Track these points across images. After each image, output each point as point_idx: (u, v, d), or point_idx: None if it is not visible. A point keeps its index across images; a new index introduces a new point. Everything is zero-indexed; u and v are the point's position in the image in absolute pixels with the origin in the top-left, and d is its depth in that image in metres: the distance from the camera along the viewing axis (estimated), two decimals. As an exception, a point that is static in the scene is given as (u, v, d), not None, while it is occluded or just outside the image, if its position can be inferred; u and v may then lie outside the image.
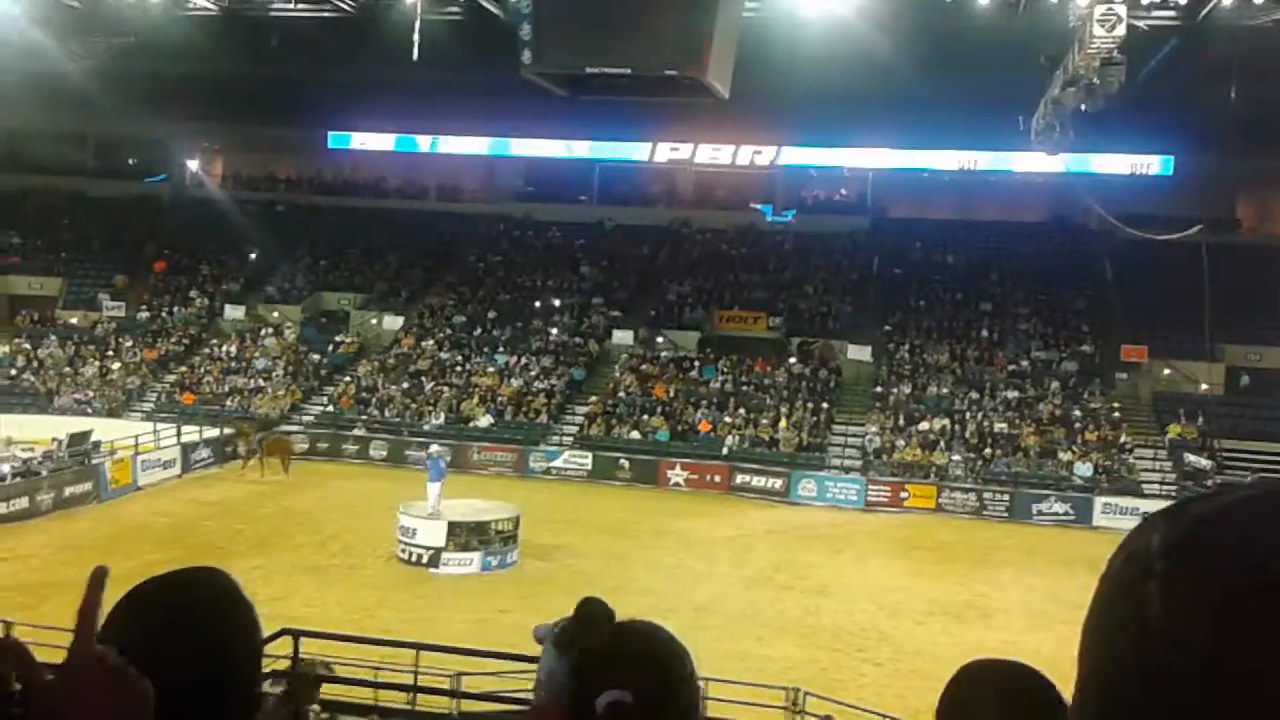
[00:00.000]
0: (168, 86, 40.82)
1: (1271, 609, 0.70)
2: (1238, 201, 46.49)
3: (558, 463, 35.51)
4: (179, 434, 33.55)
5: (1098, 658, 0.79)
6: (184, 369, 41.82)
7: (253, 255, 48.52)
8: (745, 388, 39.11)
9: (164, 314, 45.44)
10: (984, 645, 19.13)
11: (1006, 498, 32.76)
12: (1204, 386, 38.07)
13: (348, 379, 40.87)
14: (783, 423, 36.71)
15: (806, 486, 33.68)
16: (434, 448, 26.76)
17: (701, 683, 1.72)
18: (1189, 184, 41.34)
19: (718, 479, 34.29)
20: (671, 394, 38.68)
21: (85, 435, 30.39)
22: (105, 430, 31.73)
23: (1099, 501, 31.88)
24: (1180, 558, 0.76)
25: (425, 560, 22.77)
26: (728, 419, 37.12)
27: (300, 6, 33.94)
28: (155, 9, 32.10)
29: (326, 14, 33.78)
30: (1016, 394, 37.80)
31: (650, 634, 1.61)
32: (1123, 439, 35.16)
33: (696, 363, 40.81)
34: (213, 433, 34.95)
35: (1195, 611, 0.72)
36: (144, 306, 45.77)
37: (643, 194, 51.42)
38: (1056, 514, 32.01)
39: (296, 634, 11.39)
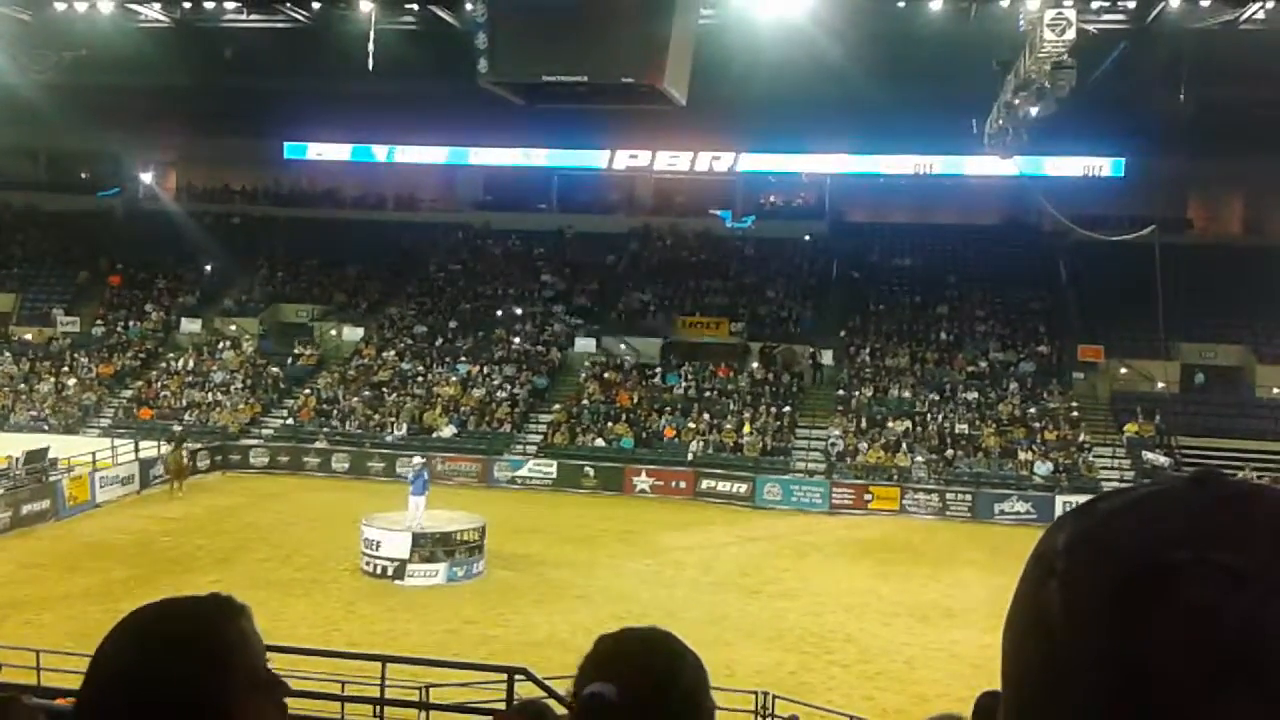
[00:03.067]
0: (120, 99, 40.44)
1: (1162, 600, 0.71)
2: (1189, 201, 47.20)
3: (522, 472, 35.42)
4: (137, 450, 33.13)
5: (1010, 659, 0.81)
6: (141, 384, 41.34)
7: (209, 268, 48.04)
8: (708, 393, 39.22)
9: (119, 329, 44.89)
10: (949, 645, 19.30)
11: (969, 498, 33.04)
12: (1160, 385, 38.60)
13: (308, 391, 40.55)
14: (746, 427, 36.83)
15: (771, 490, 33.80)
16: (417, 460, 26.58)
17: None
18: (1141, 185, 41.95)
19: (683, 485, 34.33)
20: (635, 401, 38.71)
21: (42, 453, 29.96)
22: (62, 447, 31.30)
23: (1060, 500, 32.19)
24: (1079, 555, 0.77)
25: (390, 572, 22.62)
26: (692, 425, 37.20)
27: (253, 17, 33.77)
28: (106, 22, 31.80)
29: (280, 25, 33.64)
30: (976, 395, 38.16)
31: (650, 637, 1.59)
32: (1081, 438, 35.58)
33: (659, 369, 40.88)
34: (169, 448, 34.51)
35: (1091, 608, 0.74)
36: (99, 321, 45.22)
37: (602, 201, 51.48)
38: (1018, 513, 32.32)
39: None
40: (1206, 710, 0.69)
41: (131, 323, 45.22)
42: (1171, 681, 0.70)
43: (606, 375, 40.41)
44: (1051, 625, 0.76)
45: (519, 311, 44.85)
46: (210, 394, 40.28)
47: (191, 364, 42.24)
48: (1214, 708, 0.69)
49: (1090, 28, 24.29)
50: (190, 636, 1.43)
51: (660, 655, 1.54)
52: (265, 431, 38.60)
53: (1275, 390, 38.06)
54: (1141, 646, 0.71)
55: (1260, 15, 28.11)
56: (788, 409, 37.88)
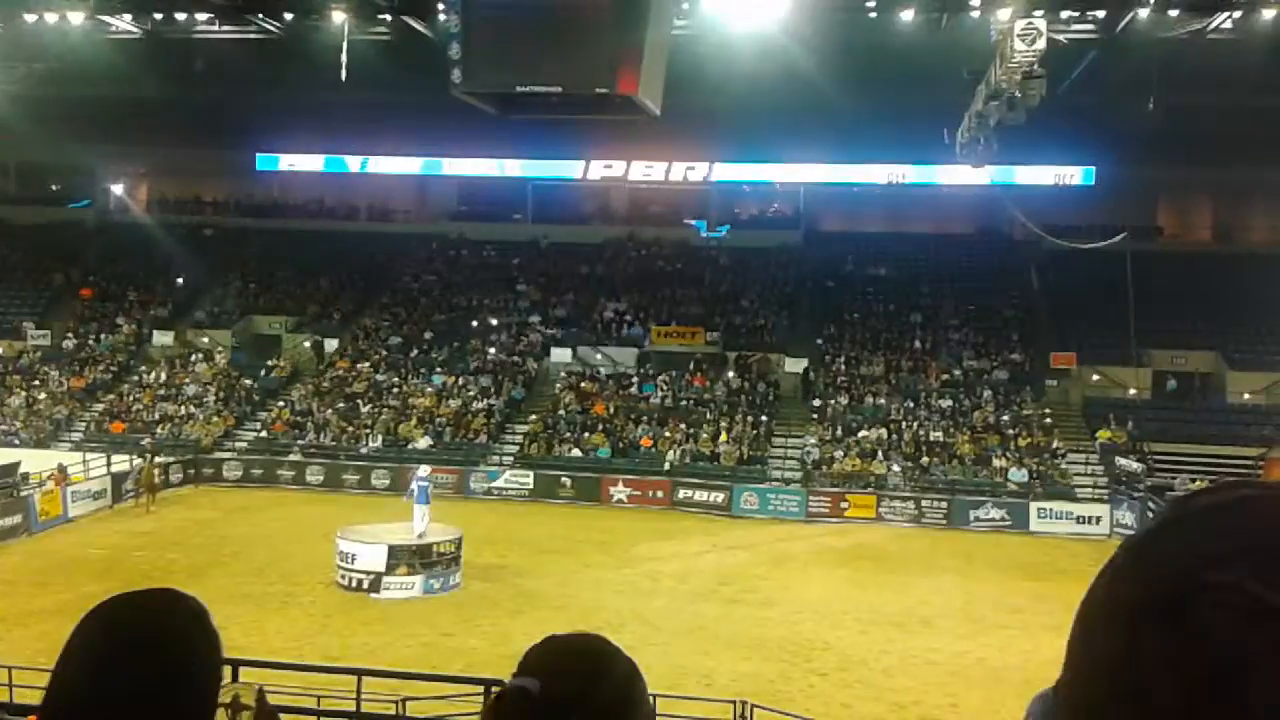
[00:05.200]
0: (90, 111, 40.18)
1: (1170, 621, 0.71)
2: (1159, 209, 47.65)
3: (499, 483, 35.31)
4: (109, 464, 32.83)
5: (1087, 637, 0.80)
6: (112, 397, 41.01)
7: (180, 280, 47.72)
8: (685, 402, 39.25)
9: (91, 342, 44.52)
10: (926, 653, 19.35)
11: (944, 505, 33.17)
12: (1132, 391, 38.91)
13: (281, 404, 40.32)
14: (723, 436, 36.87)
15: (748, 499, 33.83)
16: (422, 469, 26.43)
17: (653, 697, 1.66)
18: (1111, 193, 42.35)
19: (660, 494, 34.32)
20: (611, 411, 38.68)
21: (13, 467, 29.64)
22: (34, 461, 30.97)
23: (1034, 506, 32.41)
24: (1128, 559, 0.77)
25: (366, 585, 22.48)
26: (668, 434, 37.21)
27: (225, 28, 33.61)
28: (76, 33, 31.59)
29: (252, 35, 33.48)
30: (951, 403, 38.35)
31: (582, 640, 1.59)
32: (1055, 444, 35.81)
33: (635, 379, 40.88)
34: (138, 461, 34.23)
35: (1118, 613, 0.74)
36: (70, 334, 44.81)
37: (577, 212, 51.49)
38: (993, 519, 32.46)
39: (235, 664, 11.18)
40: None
41: (103, 335, 44.85)
42: (1159, 704, 0.70)
43: (583, 385, 40.38)
44: (1092, 619, 0.77)
45: (494, 322, 44.77)
46: (183, 407, 39.98)
47: (163, 377, 41.93)
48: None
49: (1060, 38, 24.52)
50: (152, 639, 1.45)
51: (589, 655, 1.53)
52: (238, 444, 38.33)
53: (1246, 396, 38.45)
54: (1139, 663, 0.71)
55: (1228, 25, 28.44)
56: (764, 418, 37.95)
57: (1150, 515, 0.78)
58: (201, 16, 32.58)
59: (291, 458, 36.77)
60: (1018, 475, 34.19)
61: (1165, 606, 0.71)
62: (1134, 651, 0.72)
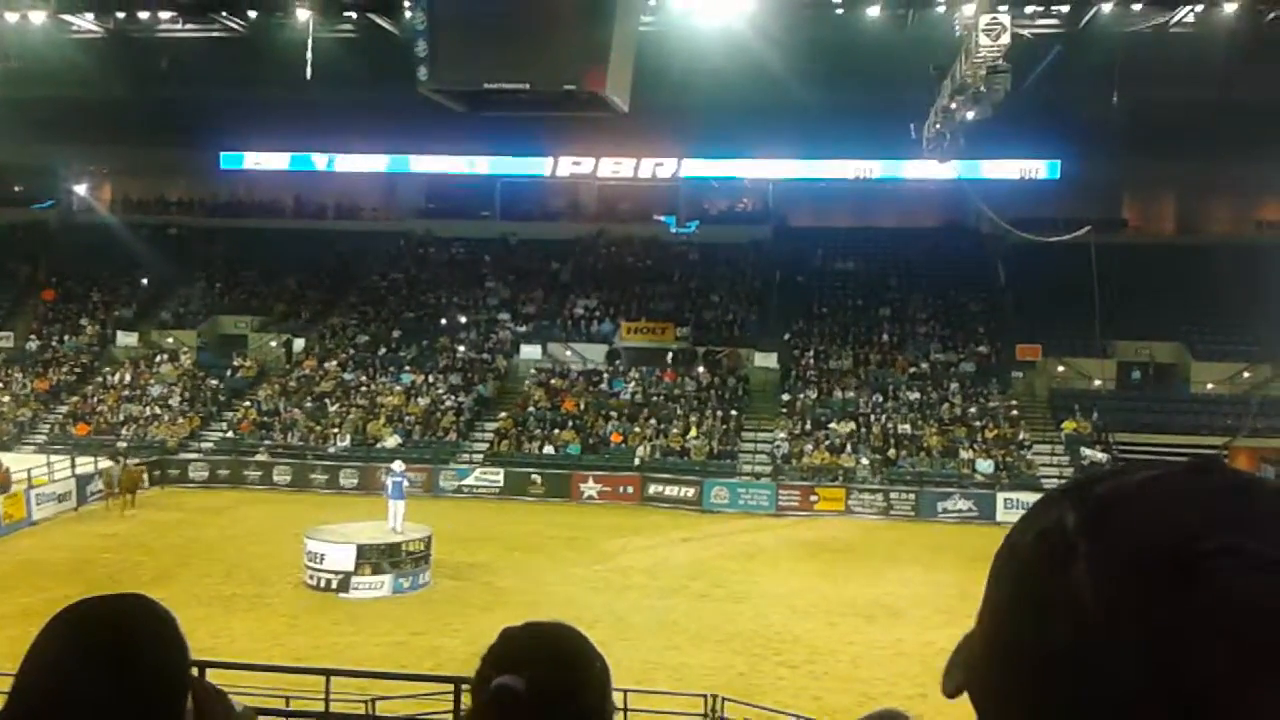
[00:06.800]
0: (53, 111, 39.70)
1: (1200, 588, 0.72)
2: (1124, 202, 48.12)
3: (469, 480, 35.22)
4: (73, 466, 32.48)
5: (1021, 634, 0.80)
6: (76, 399, 40.57)
7: (145, 280, 47.27)
8: (655, 398, 39.28)
9: (54, 343, 44.03)
10: (895, 643, 19.48)
11: (912, 497, 33.40)
12: (1097, 382, 39.30)
13: (248, 404, 40.01)
14: (693, 431, 36.94)
15: (719, 494, 33.91)
16: (397, 464, 26.40)
17: (620, 693, 1.64)
18: (1076, 186, 42.71)
19: (631, 490, 34.35)
20: (581, 407, 38.66)
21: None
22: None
23: (1000, 497, 32.66)
24: (1105, 538, 0.77)
25: (334, 585, 22.36)
26: (638, 430, 37.24)
27: (189, 27, 33.34)
28: (38, 33, 31.20)
29: (216, 34, 33.23)
30: (918, 395, 38.59)
31: (558, 632, 1.57)
32: (1021, 436, 36.11)
33: (605, 375, 40.88)
34: (107, 464, 33.89)
35: (1130, 593, 0.74)
36: (33, 336, 44.30)
37: (546, 208, 51.41)
38: (960, 511, 32.72)
39: (202, 665, 11.10)
40: (1247, 700, 0.69)
41: (67, 337, 44.37)
42: (1209, 671, 0.70)
43: (552, 382, 40.34)
44: (1084, 608, 0.75)
45: (463, 319, 44.62)
46: (148, 408, 39.61)
47: (128, 378, 41.53)
48: (1255, 698, 0.69)
49: (1024, 33, 24.70)
50: (120, 644, 1.45)
51: (570, 649, 1.51)
52: (204, 445, 38.02)
53: (1210, 386, 38.91)
54: (1180, 634, 0.71)
55: (1190, 19, 28.77)
56: (734, 413, 38.04)
57: (1049, 501, 0.79)
58: (165, 15, 32.28)
59: (258, 458, 36.51)
60: (985, 467, 34.47)
61: (1191, 575, 0.72)
62: (1166, 626, 0.72)
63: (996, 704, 0.82)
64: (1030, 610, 0.79)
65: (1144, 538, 0.75)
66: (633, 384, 39.97)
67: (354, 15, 30.68)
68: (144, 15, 32.29)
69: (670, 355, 41.36)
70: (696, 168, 46.92)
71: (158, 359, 42.70)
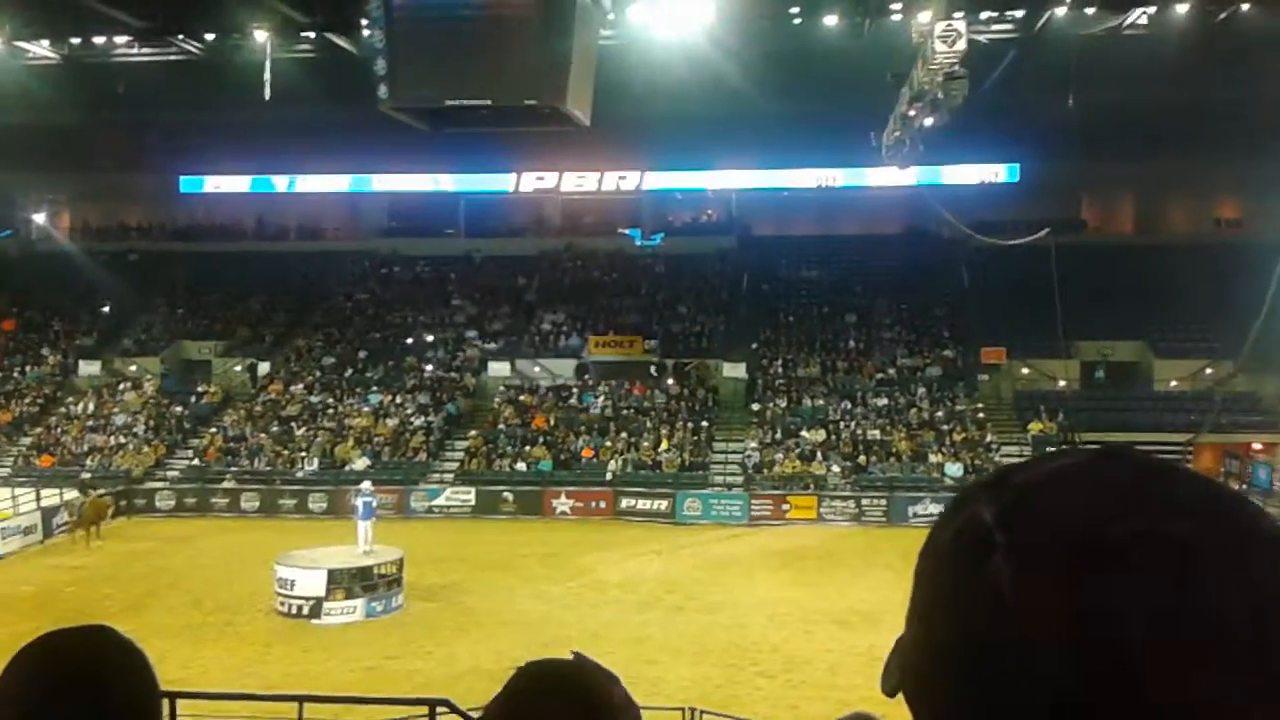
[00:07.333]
0: (9, 138, 39.22)
1: (1121, 572, 0.72)
2: (1083, 203, 48.60)
3: (440, 500, 35.00)
4: (39, 498, 32.01)
5: (946, 632, 0.80)
6: (40, 430, 40.02)
7: (106, 308, 46.77)
8: (625, 411, 39.23)
9: (16, 374, 43.44)
10: (870, 650, 19.49)
11: (883, 503, 33.51)
12: (1061, 383, 39.62)
13: (213, 430, 39.60)
14: (664, 444, 36.91)
15: (691, 505, 33.89)
16: (365, 485, 26.22)
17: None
18: (1035, 189, 43.11)
19: (603, 505, 34.26)
20: (552, 423, 38.55)
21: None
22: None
23: (971, 500, 32.78)
24: (1023, 529, 0.77)
25: (306, 611, 22.11)
26: (609, 444, 37.16)
27: (145, 51, 33.05)
28: (-10, 60, 30.84)
29: (173, 57, 32.96)
30: (886, 401, 38.76)
31: (580, 671, 1.43)
32: (988, 438, 36.34)
33: (575, 390, 40.79)
34: (73, 495, 33.40)
35: (1047, 581, 0.74)
36: (-7, 367, 43.72)
37: (511, 224, 51.33)
38: (931, 515, 32.72)
39: (173, 696, 10.93)
40: (1172, 680, 0.70)
41: (28, 367, 43.79)
42: (1136, 653, 0.71)
43: (522, 398, 40.21)
44: (1003, 600, 0.75)
45: (430, 338, 44.42)
46: (112, 437, 39.12)
47: (92, 407, 41.02)
48: (1179, 677, 0.70)
49: (980, 38, 24.95)
50: (87, 676, 1.43)
51: (595, 691, 1.39)
52: (170, 474, 37.56)
53: (1173, 383, 39.32)
54: (1105, 618, 0.72)
55: (1143, 21, 29.11)
56: (704, 424, 38.06)
57: (967, 496, 0.78)
58: (120, 39, 31.99)
59: (226, 485, 36.11)
60: (954, 470, 34.64)
61: (1112, 560, 0.73)
62: (1088, 612, 0.72)
63: (926, 700, 0.82)
64: (951, 605, 0.79)
65: (1057, 525, 0.76)
66: (602, 398, 39.91)
67: (312, 35, 30.50)
68: (99, 40, 32.00)
69: (653, 369, 41.25)
70: (660, 180, 47.03)
71: (121, 387, 42.22)
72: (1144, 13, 28.71)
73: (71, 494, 31.94)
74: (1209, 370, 39.03)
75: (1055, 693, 0.72)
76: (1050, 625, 0.73)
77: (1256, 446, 34.98)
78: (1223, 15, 28.13)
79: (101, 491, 32.51)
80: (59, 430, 39.90)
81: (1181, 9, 28.17)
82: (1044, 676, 0.73)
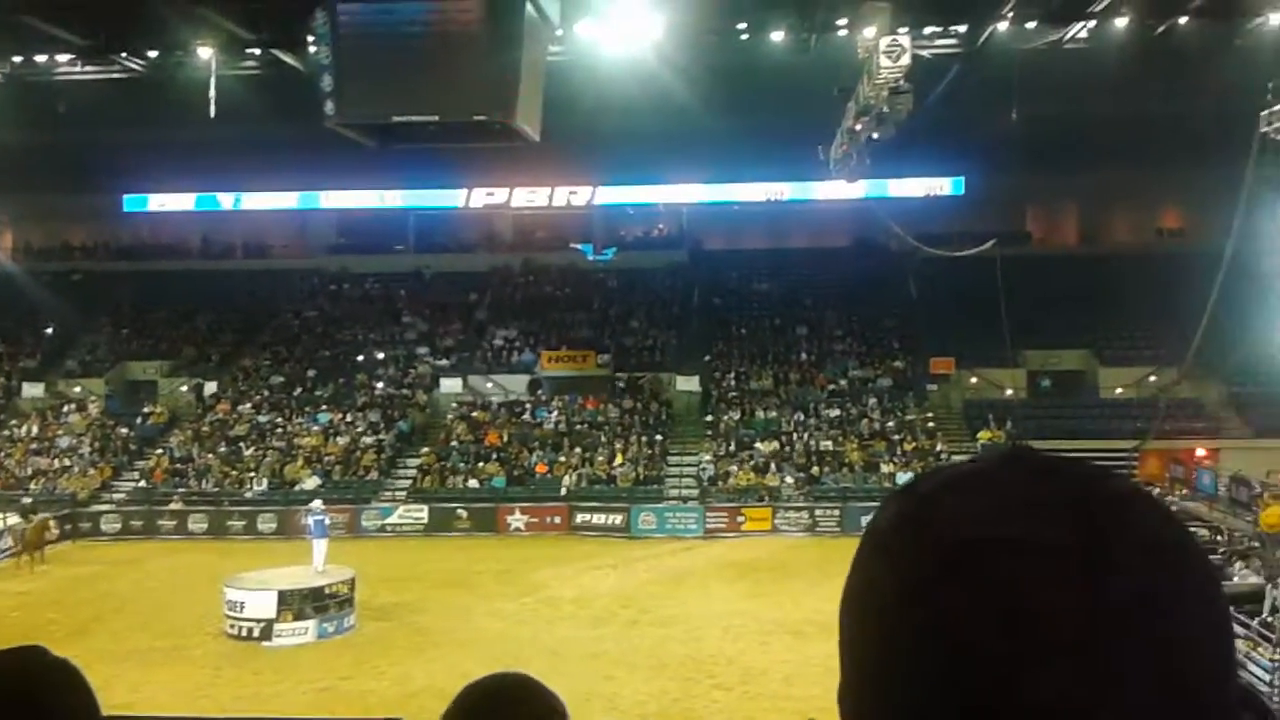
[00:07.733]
0: (-52, 159, 38.48)
1: (976, 576, 0.74)
2: (1027, 215, 49.33)
3: (392, 519, 34.71)
4: (-20, 524, 31.35)
5: (848, 637, 0.83)
6: (-19, 454, 39.22)
7: (50, 329, 45.98)
8: (579, 426, 39.15)
9: (-46, 397, 42.58)
10: (825, 659, 19.55)
11: (837, 513, 33.70)
12: (1009, 391, 40.13)
13: (160, 451, 39.00)
14: (618, 458, 36.88)
15: (646, 519, 33.87)
16: (316, 504, 25.95)
17: None
18: (981, 201, 43.69)
19: (558, 520, 34.14)
20: (505, 439, 38.39)
21: None
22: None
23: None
24: (904, 533, 0.80)
25: (256, 633, 21.81)
26: (563, 459, 37.06)
27: (88, 69, 32.60)
28: (-72, 78, 30.27)
29: (116, 75, 32.54)
30: (838, 412, 39.03)
31: (521, 685, 1.51)
32: (938, 447, 36.70)
33: (528, 405, 40.66)
34: (15, 520, 32.72)
35: (916, 584, 0.76)
36: (-69, 391, 42.79)
37: (461, 240, 51.18)
38: (885, 525, 33.04)
39: (123, 724, 10.75)
40: (1025, 683, 0.71)
41: (-33, 390, 42.94)
42: (990, 656, 0.72)
43: (474, 415, 40.01)
44: (884, 602, 0.78)
45: (381, 355, 44.09)
46: (57, 460, 38.42)
47: (35, 430, 40.28)
48: (1032, 680, 0.71)
49: (925, 53, 25.24)
50: (23, 698, 1.41)
51: (538, 707, 1.44)
52: (116, 496, 36.94)
53: (1118, 391, 39.92)
54: (961, 622, 0.73)
55: (1083, 35, 29.62)
56: (659, 437, 38.08)
57: (886, 500, 0.81)
58: (63, 58, 31.54)
59: (173, 507, 35.54)
60: (905, 479, 34.83)
61: (969, 565, 0.74)
62: (947, 615, 0.73)
63: (852, 707, 0.85)
64: (852, 605, 0.83)
65: (937, 530, 0.77)
66: (556, 413, 39.81)
67: (257, 52, 30.25)
68: (41, 59, 31.54)
69: (610, 386, 41.20)
70: (611, 195, 47.10)
71: (65, 409, 41.51)
72: (1084, 27, 29.23)
73: (14, 519, 31.30)
74: (1153, 377, 39.63)
75: (923, 697, 0.74)
76: (916, 632, 0.75)
77: (1200, 452, 35.51)
78: (1160, 29, 28.69)
79: (45, 515, 31.93)
80: (2, 454, 39.11)
81: (1121, 23, 28.69)
82: (918, 684, 0.75)
